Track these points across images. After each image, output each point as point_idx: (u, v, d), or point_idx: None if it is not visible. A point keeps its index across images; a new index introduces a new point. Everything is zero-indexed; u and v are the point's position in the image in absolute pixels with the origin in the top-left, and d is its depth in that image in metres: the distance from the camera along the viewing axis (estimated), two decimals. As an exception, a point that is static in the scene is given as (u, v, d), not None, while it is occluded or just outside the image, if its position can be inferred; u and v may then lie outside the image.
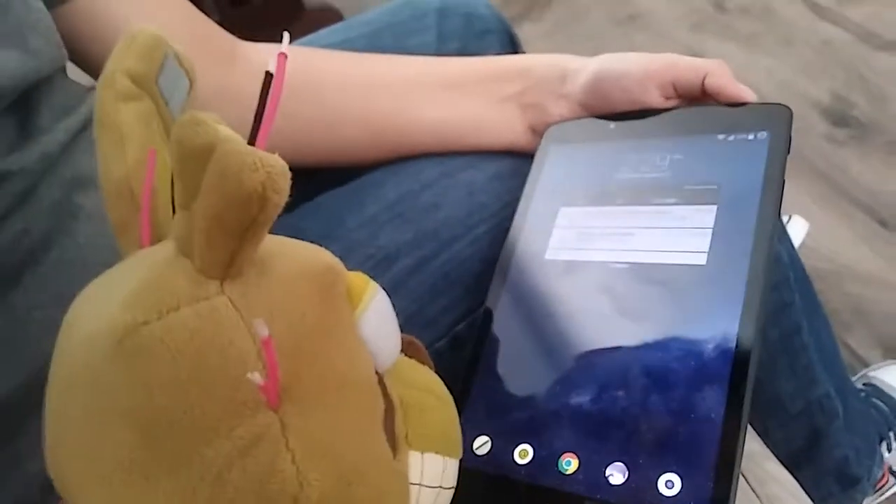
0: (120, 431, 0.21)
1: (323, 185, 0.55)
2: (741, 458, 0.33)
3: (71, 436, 0.22)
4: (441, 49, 0.63)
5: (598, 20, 1.59)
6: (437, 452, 0.27)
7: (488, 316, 0.44)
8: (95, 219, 0.37)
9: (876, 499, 0.79)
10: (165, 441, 0.20)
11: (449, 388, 0.30)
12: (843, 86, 1.28)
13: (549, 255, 0.44)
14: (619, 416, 0.36)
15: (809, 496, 0.46)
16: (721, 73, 0.45)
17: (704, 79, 0.45)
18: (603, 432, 0.36)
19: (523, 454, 0.37)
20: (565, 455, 0.36)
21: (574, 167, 0.47)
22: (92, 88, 0.42)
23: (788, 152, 0.41)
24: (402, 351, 0.28)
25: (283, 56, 0.22)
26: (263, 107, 0.22)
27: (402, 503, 0.25)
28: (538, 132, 0.51)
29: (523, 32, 1.58)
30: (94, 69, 0.46)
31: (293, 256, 0.24)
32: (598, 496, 0.35)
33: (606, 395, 0.37)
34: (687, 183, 0.43)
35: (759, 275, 0.37)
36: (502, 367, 0.42)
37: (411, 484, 0.25)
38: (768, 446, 0.46)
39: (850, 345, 0.96)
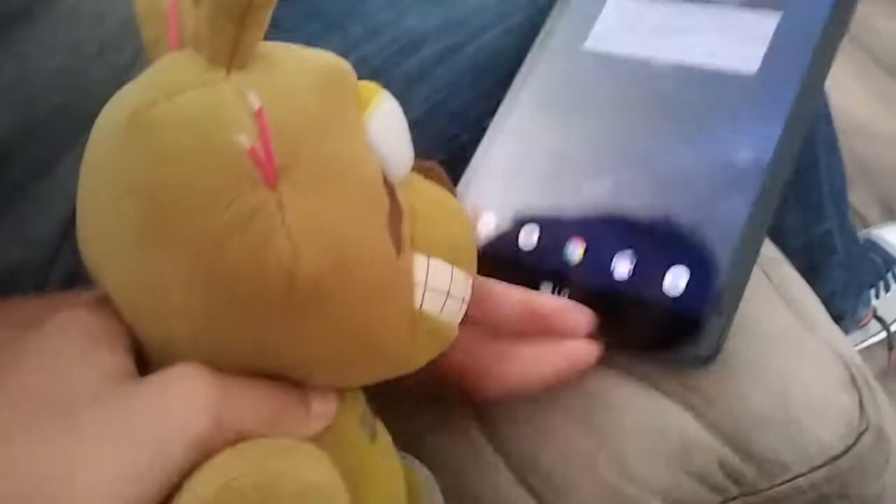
0: (129, 203, 0.22)
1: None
2: (753, 266, 0.33)
3: (91, 212, 0.24)
4: None
5: None
6: (444, 259, 0.26)
7: (512, 95, 0.42)
8: None
9: (860, 340, 0.83)
10: (168, 211, 0.21)
11: None
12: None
13: (587, 46, 0.43)
14: (635, 206, 0.36)
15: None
16: None
17: None
18: (617, 222, 0.36)
19: (529, 233, 0.37)
20: (574, 239, 0.36)
21: None
22: None
23: None
24: (421, 174, 0.28)
25: None
26: None
27: (404, 298, 0.25)
28: None
29: None
30: None
31: (300, 56, 0.24)
32: (600, 284, 0.35)
33: (625, 184, 0.37)
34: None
35: (810, 92, 0.36)
36: (517, 143, 0.41)
37: (416, 283, 0.25)
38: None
39: (850, 200, 0.97)
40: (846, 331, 0.75)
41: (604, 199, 0.37)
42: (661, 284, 0.33)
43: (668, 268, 0.34)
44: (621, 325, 0.34)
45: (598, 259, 0.35)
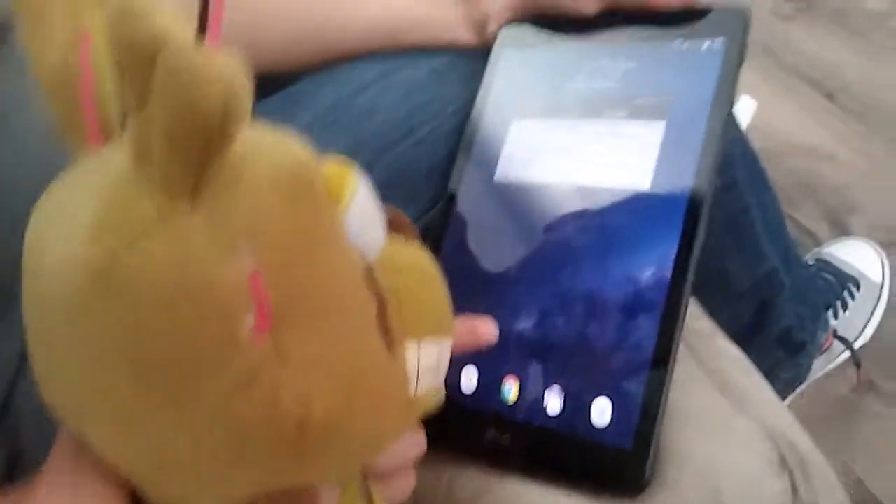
0: (112, 371, 0.20)
1: (258, 94, 0.53)
2: (669, 386, 0.34)
3: (62, 372, 0.21)
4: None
5: None
6: (432, 336, 0.26)
7: (436, 238, 0.44)
8: (20, 141, 0.35)
9: (825, 365, 0.83)
10: (163, 377, 0.20)
11: None
12: (788, -42, 1.26)
13: (497, 176, 0.44)
14: (558, 340, 0.37)
15: (758, 367, 0.48)
16: None
17: None
18: (543, 356, 0.37)
19: (469, 377, 0.38)
20: (507, 378, 0.37)
21: (527, 74, 0.46)
22: None
23: (743, 61, 0.40)
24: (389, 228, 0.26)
25: None
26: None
27: (404, 394, 0.25)
28: (475, 28, 0.49)
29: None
30: None
31: (261, 153, 0.21)
32: (536, 423, 0.36)
33: (546, 315, 0.38)
34: (638, 95, 0.42)
35: (702, 199, 0.37)
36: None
37: (410, 373, 0.25)
38: (717, 324, 0.47)
39: (797, 219, 0.99)
40: (811, 358, 0.76)
41: (530, 334, 0.38)
42: (589, 418, 0.35)
43: (592, 400, 0.35)
44: (558, 460, 0.35)
45: (531, 396, 0.37)
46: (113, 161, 0.21)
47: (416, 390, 0.25)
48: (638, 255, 0.37)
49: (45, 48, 0.22)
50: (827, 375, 0.84)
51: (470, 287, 0.41)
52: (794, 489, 0.33)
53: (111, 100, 0.22)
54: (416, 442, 0.31)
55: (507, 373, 0.38)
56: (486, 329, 0.35)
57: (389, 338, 0.24)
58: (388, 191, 0.46)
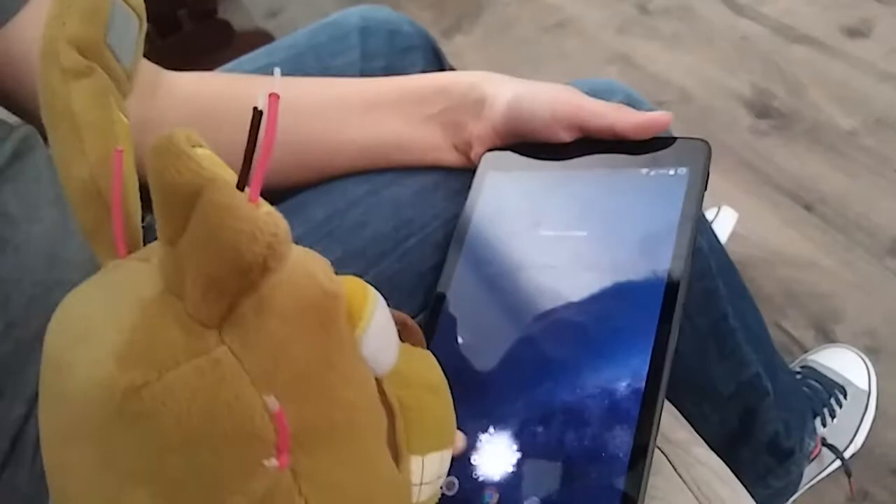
0: (133, 491, 0.20)
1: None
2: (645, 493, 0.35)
3: (79, 491, 0.22)
4: (366, 68, 0.65)
5: (527, 28, 1.62)
6: (436, 450, 0.27)
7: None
8: (22, 252, 0.37)
9: (817, 473, 0.83)
10: (181, 500, 0.20)
11: None
12: (763, 78, 1.33)
13: (480, 285, 0.46)
14: (537, 452, 0.38)
15: (747, 475, 0.48)
16: (626, 120, 0.45)
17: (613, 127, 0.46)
18: (522, 468, 0.38)
19: (450, 486, 0.39)
20: (488, 489, 0.38)
21: (508, 195, 0.49)
22: (17, 126, 0.42)
23: (706, 188, 0.43)
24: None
25: (275, 97, 0.20)
26: (253, 148, 0.20)
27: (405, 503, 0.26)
28: (460, 149, 0.53)
29: (455, 45, 1.61)
30: (11, 105, 0.46)
31: (290, 284, 0.22)
32: None
33: (526, 427, 0.39)
34: (609, 218, 0.44)
35: (671, 316, 0.39)
36: None
37: (413, 485, 0.26)
38: (698, 432, 0.48)
39: (784, 327, 1.00)
40: (800, 467, 0.75)
41: (510, 446, 0.39)
42: None
43: None
44: None
45: None
46: (140, 283, 0.21)
47: (417, 500, 0.26)
48: (613, 368, 0.38)
49: (76, 162, 0.23)
50: (822, 483, 0.83)
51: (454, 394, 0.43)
52: None
53: (136, 213, 0.23)
54: None
55: (488, 485, 0.38)
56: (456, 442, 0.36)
57: (395, 451, 0.25)
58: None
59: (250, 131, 0.19)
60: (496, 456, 0.39)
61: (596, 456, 0.36)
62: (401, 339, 0.27)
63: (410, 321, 0.30)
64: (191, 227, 0.18)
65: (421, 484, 0.26)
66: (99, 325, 0.21)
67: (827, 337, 0.98)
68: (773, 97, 1.30)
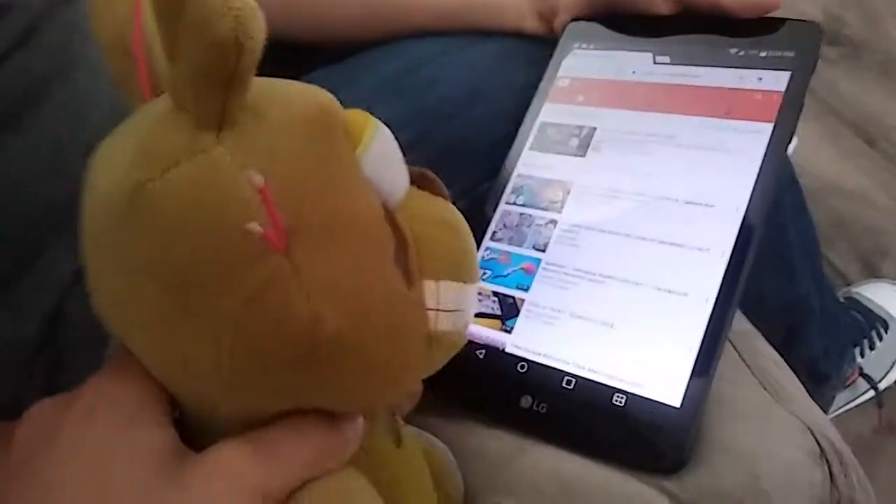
0: (144, 283, 0.22)
1: (323, 59, 0.53)
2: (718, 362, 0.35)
3: (105, 286, 0.24)
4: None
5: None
6: (451, 279, 0.27)
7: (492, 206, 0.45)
8: (95, 67, 0.36)
9: (848, 402, 0.83)
10: (184, 291, 0.22)
11: None
12: (837, 4, 1.26)
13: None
14: (614, 328, 0.38)
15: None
16: (736, 0, 0.42)
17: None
18: (597, 343, 0.38)
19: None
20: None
21: (592, 75, 0.47)
22: None
23: (814, 71, 0.41)
24: (413, 184, 0.28)
25: None
26: None
27: (420, 328, 0.26)
28: (544, 17, 0.50)
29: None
30: None
31: (287, 99, 0.24)
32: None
33: (604, 308, 0.39)
34: (702, 101, 0.42)
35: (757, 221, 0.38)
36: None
37: (428, 309, 0.26)
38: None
39: (830, 258, 0.98)
40: (834, 391, 0.75)
41: (585, 324, 0.39)
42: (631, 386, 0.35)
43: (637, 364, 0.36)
44: (595, 430, 0.36)
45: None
46: (156, 107, 0.24)
47: (435, 327, 0.26)
48: (694, 253, 0.38)
49: (107, 18, 0.25)
50: (848, 413, 0.83)
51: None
52: (833, 480, 0.33)
53: (160, 60, 0.24)
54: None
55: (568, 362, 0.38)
56: None
57: (408, 273, 0.25)
58: (444, 160, 0.48)
59: None
60: (566, 336, 0.38)
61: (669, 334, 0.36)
62: (420, 187, 0.29)
63: (431, 174, 0.30)
64: (179, 31, 0.20)
65: (437, 310, 0.26)
66: (121, 140, 0.24)
67: (873, 272, 0.96)
68: (846, 25, 1.23)
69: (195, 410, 0.25)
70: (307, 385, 0.23)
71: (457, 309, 0.27)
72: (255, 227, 0.20)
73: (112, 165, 0.23)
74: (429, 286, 0.26)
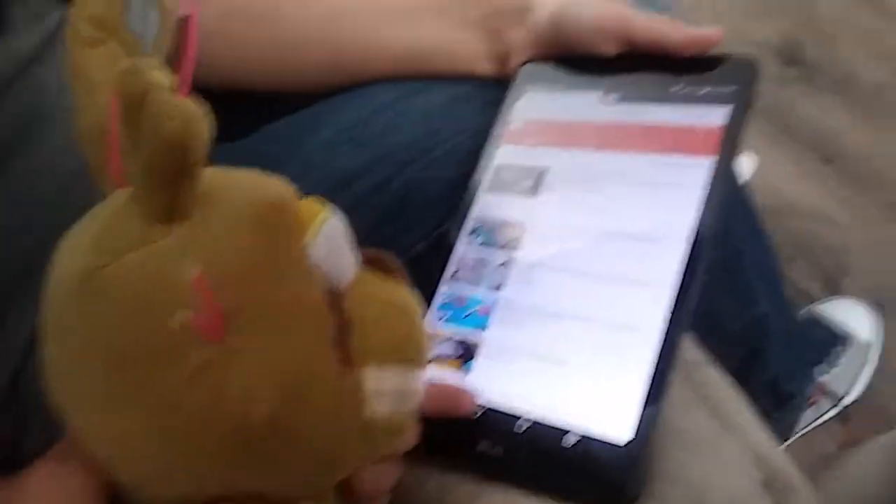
0: (87, 365, 0.24)
1: (281, 112, 0.55)
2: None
3: (53, 368, 0.25)
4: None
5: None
6: (395, 362, 0.28)
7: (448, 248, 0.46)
8: (68, 124, 0.37)
9: (812, 420, 0.84)
10: (124, 374, 0.23)
11: None
12: (793, 27, 1.30)
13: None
14: (560, 366, 0.39)
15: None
16: (677, 33, 0.44)
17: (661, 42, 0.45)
18: (545, 383, 0.39)
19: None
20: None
21: (543, 111, 0.48)
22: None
23: (751, 108, 0.42)
24: (368, 265, 0.29)
25: (194, 15, 0.24)
26: (180, 50, 0.24)
27: (355, 412, 0.26)
28: (499, 59, 0.51)
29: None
30: None
31: (238, 190, 0.25)
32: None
33: (549, 344, 0.40)
34: (643, 142, 0.44)
35: (707, 225, 0.39)
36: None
37: (367, 394, 0.26)
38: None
39: (791, 278, 1.00)
40: (799, 410, 0.77)
41: (532, 362, 0.40)
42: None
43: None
44: (549, 470, 0.36)
45: None
46: (120, 197, 0.26)
47: (373, 412, 0.27)
48: (639, 286, 0.39)
49: (89, 108, 0.27)
50: (814, 431, 0.84)
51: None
52: (779, 510, 0.34)
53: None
54: (388, 472, 0.31)
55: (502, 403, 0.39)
56: (465, 401, 0.37)
57: (347, 358, 0.26)
58: (403, 206, 0.49)
59: (177, 36, 0.24)
60: (521, 376, 0.39)
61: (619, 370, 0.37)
62: (375, 268, 0.30)
63: (393, 258, 0.31)
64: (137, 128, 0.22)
65: (376, 395, 0.27)
66: (84, 227, 0.25)
67: (834, 290, 0.98)
68: (802, 46, 1.27)
69: (134, 493, 0.26)
70: (243, 468, 0.24)
71: (399, 392, 0.28)
72: (184, 318, 0.22)
73: (71, 251, 0.25)
74: (370, 370, 0.27)
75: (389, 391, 0.27)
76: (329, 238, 0.26)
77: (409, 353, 0.29)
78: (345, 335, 0.26)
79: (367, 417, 0.26)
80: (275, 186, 0.26)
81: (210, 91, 0.50)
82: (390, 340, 0.28)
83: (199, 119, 0.22)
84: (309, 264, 0.26)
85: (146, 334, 0.23)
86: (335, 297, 0.26)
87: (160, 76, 0.22)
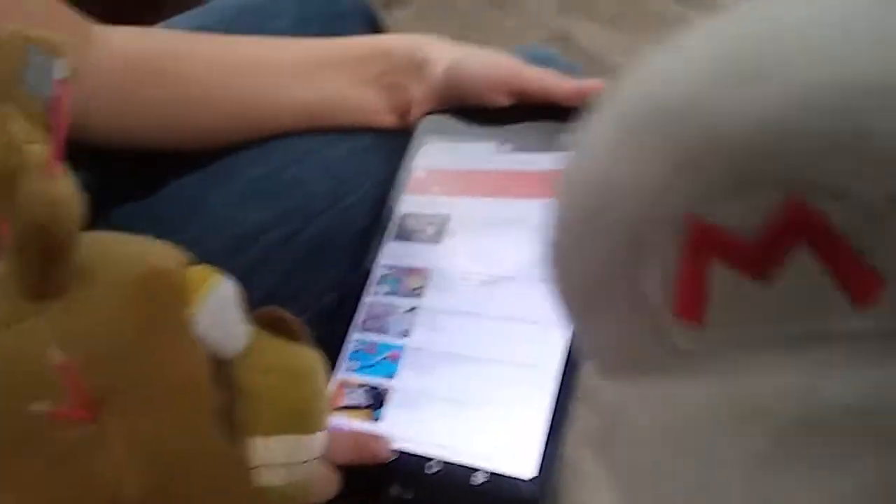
0: None
1: (189, 165, 0.55)
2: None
3: None
4: (301, 32, 0.64)
5: (466, 4, 1.63)
6: (287, 432, 0.28)
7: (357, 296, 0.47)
8: None
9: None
10: None
11: None
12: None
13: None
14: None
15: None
16: (561, 86, 0.46)
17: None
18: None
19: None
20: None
21: (444, 166, 0.50)
22: None
23: None
24: (267, 327, 0.29)
25: (66, 82, 0.24)
26: (54, 125, 0.24)
27: (242, 485, 0.26)
28: (399, 112, 0.53)
29: (394, 18, 1.60)
30: None
31: (120, 264, 0.25)
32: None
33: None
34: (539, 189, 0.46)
35: None
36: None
37: (253, 467, 0.26)
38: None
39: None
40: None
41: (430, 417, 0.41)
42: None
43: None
44: None
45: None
46: (1, 267, 0.25)
47: (263, 482, 0.27)
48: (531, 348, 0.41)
49: None
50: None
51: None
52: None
53: None
54: None
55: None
56: (381, 448, 0.38)
57: (233, 430, 0.26)
58: (312, 257, 0.50)
59: (50, 111, 0.24)
60: (431, 419, 0.40)
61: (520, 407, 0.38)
62: (274, 330, 0.30)
63: (292, 318, 0.31)
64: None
65: (264, 466, 0.27)
66: None
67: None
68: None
69: None
70: None
71: (290, 463, 0.28)
72: (43, 407, 0.22)
73: None
74: (258, 441, 0.27)
75: (279, 462, 0.27)
76: (216, 308, 0.26)
77: (301, 422, 0.29)
78: (228, 411, 0.26)
79: (259, 488, 0.26)
80: (160, 257, 0.26)
81: (113, 149, 0.50)
82: (280, 410, 0.28)
83: (66, 203, 0.22)
84: (194, 335, 0.25)
85: (12, 415, 0.22)
86: (223, 367, 0.26)
87: (35, 151, 0.22)
